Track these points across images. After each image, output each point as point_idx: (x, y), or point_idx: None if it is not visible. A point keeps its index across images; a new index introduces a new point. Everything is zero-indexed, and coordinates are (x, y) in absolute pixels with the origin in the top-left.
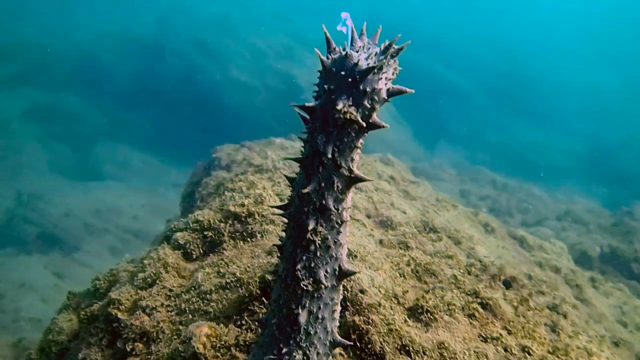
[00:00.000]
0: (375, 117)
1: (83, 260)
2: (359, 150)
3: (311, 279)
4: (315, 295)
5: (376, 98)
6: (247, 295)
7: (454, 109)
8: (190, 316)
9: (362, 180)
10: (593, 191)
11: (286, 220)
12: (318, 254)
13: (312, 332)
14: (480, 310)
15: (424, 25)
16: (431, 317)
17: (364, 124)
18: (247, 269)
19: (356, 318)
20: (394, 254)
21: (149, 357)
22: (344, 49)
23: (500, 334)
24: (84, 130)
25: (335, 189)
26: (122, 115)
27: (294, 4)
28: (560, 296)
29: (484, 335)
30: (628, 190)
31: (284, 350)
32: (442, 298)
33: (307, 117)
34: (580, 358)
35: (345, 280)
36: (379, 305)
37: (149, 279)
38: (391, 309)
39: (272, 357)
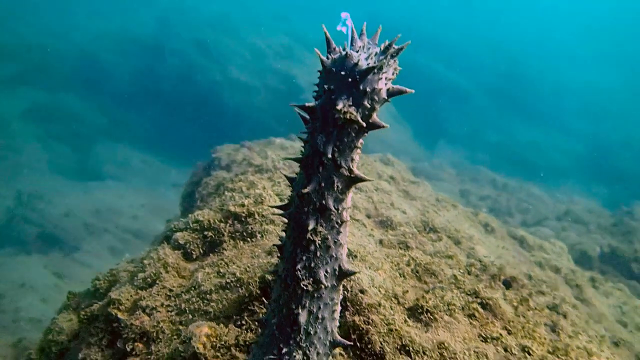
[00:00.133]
0: (375, 117)
1: (83, 260)
2: (359, 150)
3: (311, 279)
4: (315, 295)
5: (376, 98)
6: (247, 295)
7: (454, 109)
8: (190, 316)
9: (362, 180)
10: (593, 191)
11: (286, 220)
12: (318, 254)
13: (312, 332)
14: (480, 310)
15: (424, 25)
16: (431, 317)
17: (364, 124)
18: (247, 269)
19: (356, 318)
20: (394, 254)
21: (149, 357)
22: (344, 49)
23: (500, 334)
24: (84, 130)
25: (335, 189)
26: (122, 115)
27: (294, 4)
28: (560, 296)
29: (484, 335)
30: (628, 190)
31: (284, 350)
32: (442, 298)
33: (307, 117)
34: (580, 358)
35: (345, 280)
36: (379, 305)
37: (149, 279)
38: (391, 309)
39: (272, 357)
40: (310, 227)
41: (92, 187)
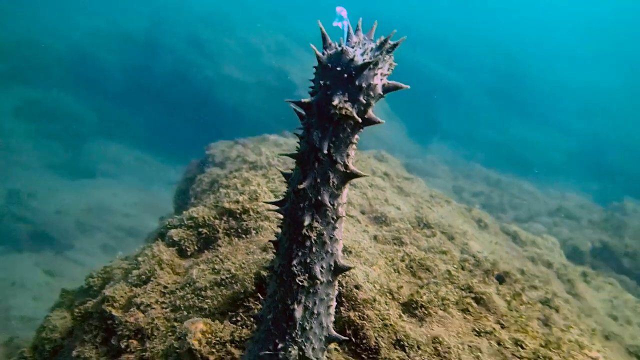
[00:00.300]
0: (370, 112)
1: (75, 258)
2: (354, 146)
3: (307, 275)
4: (311, 290)
5: (372, 94)
6: (242, 291)
7: (448, 106)
8: (185, 313)
9: (357, 175)
10: (584, 187)
11: (281, 217)
12: (314, 249)
13: (307, 328)
14: (474, 304)
15: (419, 22)
16: (425, 312)
17: (360, 120)
18: (242, 265)
19: (351, 313)
20: (388, 250)
21: (144, 354)
22: (339, 45)
23: (494, 328)
24: (76, 128)
25: (331, 184)
26: (114, 113)
27: (288, 1)
28: (553, 291)
29: (477, 330)
30: (619, 186)
31: (280, 345)
32: (437, 293)
33: (303, 113)
34: (572, 351)
35: (340, 275)
36: (374, 300)
37: (143, 276)
38: (386, 304)
39: (267, 352)
40: (306, 222)
41: (84, 184)
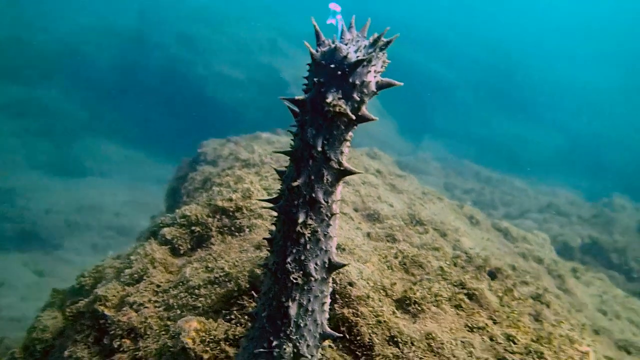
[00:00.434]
0: (364, 109)
1: (65, 257)
2: (348, 143)
3: (301, 272)
4: (305, 287)
5: (365, 91)
6: (236, 289)
7: (440, 103)
8: (179, 311)
9: (351, 173)
10: (574, 184)
11: (275, 215)
12: (308, 246)
13: (302, 325)
14: (467, 300)
15: (412, 20)
16: (419, 308)
17: (354, 117)
18: (236, 263)
19: (345, 310)
20: (381, 247)
21: (137, 353)
22: (333, 42)
23: (486, 324)
24: (65, 125)
25: (325, 181)
26: (104, 110)
27: None
28: (543, 286)
29: (470, 325)
30: (608, 183)
31: (274, 342)
32: (429, 289)
33: (297, 110)
34: (563, 346)
35: (334, 273)
36: (368, 297)
37: (135, 275)
38: (379, 301)
39: (262, 349)
40: (300, 220)
41: (73, 183)
